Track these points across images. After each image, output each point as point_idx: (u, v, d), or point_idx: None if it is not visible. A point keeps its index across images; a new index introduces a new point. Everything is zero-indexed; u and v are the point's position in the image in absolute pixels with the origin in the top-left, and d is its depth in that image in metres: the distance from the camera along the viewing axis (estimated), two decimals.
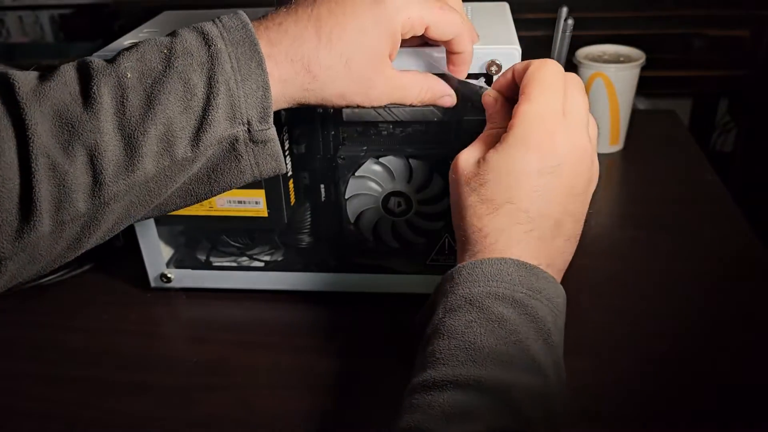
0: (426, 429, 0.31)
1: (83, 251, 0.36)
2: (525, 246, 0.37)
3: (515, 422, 0.32)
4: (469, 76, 0.54)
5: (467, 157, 0.40)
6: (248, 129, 0.36)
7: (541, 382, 0.34)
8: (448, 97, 0.45)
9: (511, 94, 0.42)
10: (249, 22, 0.37)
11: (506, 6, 0.62)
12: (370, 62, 0.39)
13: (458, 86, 0.46)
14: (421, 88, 0.43)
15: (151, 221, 0.59)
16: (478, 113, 0.55)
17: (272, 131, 0.37)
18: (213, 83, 0.35)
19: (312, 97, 0.39)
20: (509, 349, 0.33)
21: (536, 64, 0.40)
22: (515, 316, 0.35)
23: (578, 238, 0.41)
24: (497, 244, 0.37)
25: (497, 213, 0.37)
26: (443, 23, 0.41)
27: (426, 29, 0.41)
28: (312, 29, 0.37)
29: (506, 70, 0.43)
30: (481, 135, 0.42)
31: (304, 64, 0.37)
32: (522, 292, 0.36)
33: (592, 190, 0.40)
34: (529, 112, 0.38)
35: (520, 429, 0.31)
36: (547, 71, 0.39)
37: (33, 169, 0.31)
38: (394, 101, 0.42)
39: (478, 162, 0.39)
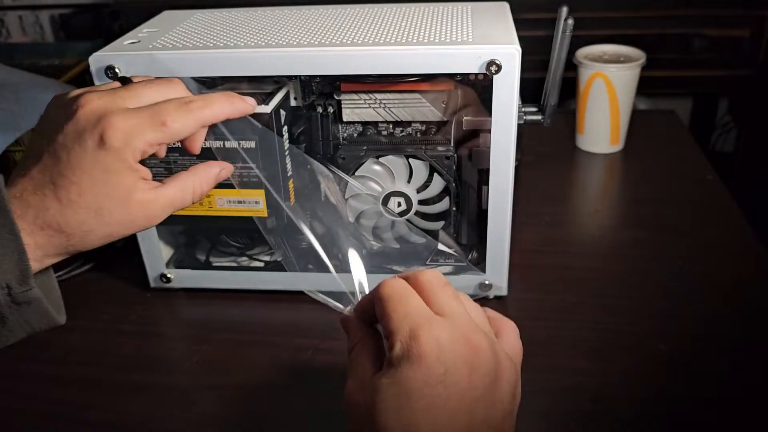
0: None
1: None
2: None
3: None
4: (469, 76, 0.54)
5: (355, 388, 0.34)
6: (8, 292, 0.36)
7: None
8: (224, 171, 0.44)
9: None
10: (3, 186, 0.37)
11: (506, 6, 0.62)
12: (119, 205, 0.38)
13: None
14: (194, 187, 0.42)
15: None
16: (479, 113, 0.55)
17: (35, 292, 0.36)
18: None
19: (80, 247, 0.38)
20: None
21: (379, 287, 0.35)
22: None
23: None
24: None
25: None
26: (179, 132, 0.39)
27: (165, 144, 0.39)
28: (51, 195, 0.37)
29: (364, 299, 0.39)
30: (353, 361, 0.36)
31: (55, 228, 0.37)
32: None
33: (508, 390, 0.33)
34: (399, 321, 0.32)
35: None
36: (386, 285, 0.34)
37: None
38: (173, 211, 0.41)
39: (366, 390, 0.33)
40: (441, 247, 0.58)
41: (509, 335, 0.36)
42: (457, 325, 0.32)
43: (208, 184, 0.43)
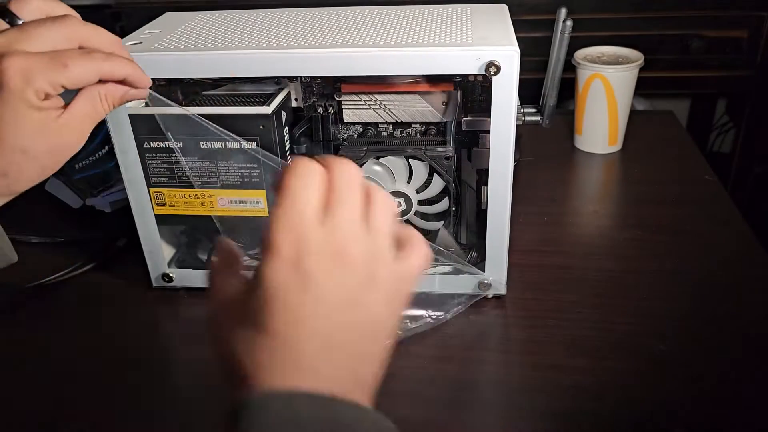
0: None
1: None
2: (311, 372, 0.30)
3: None
4: (468, 77, 0.54)
5: (227, 281, 0.34)
6: None
7: None
8: (137, 80, 0.42)
9: None
10: None
11: (505, 8, 0.62)
12: (38, 139, 0.39)
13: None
14: (102, 96, 0.41)
15: (152, 220, 0.59)
16: (479, 114, 0.55)
17: None
18: None
19: (20, 186, 0.41)
20: None
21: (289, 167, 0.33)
22: None
23: (383, 348, 0.33)
24: (275, 377, 0.30)
25: (265, 339, 0.30)
26: (78, 77, 0.39)
27: (64, 85, 0.39)
28: None
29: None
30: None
31: None
32: None
33: (383, 300, 0.32)
34: (275, 214, 0.31)
35: None
36: (292, 171, 0.32)
37: None
38: (95, 123, 0.41)
39: (237, 284, 0.34)
40: (439, 249, 0.58)
41: (413, 251, 0.34)
42: (335, 245, 0.31)
43: (118, 92, 0.42)
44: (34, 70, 0.37)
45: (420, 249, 0.34)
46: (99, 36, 0.42)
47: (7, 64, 0.37)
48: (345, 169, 0.33)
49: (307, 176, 0.32)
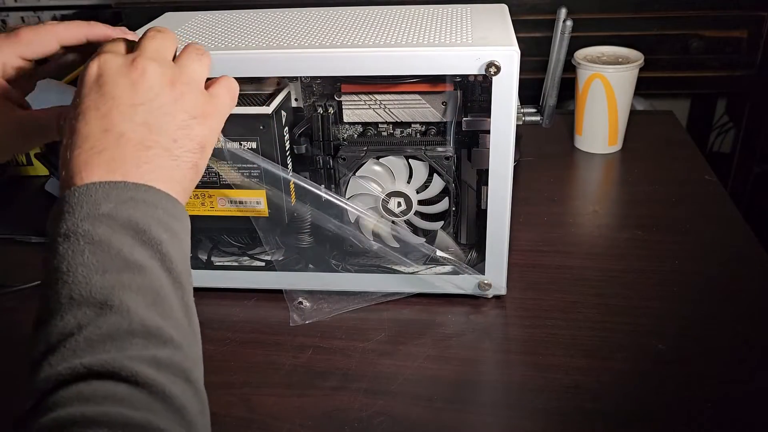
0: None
1: None
2: (96, 167, 0.36)
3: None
4: (468, 77, 0.54)
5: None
6: None
7: (141, 279, 0.34)
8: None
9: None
10: None
11: (505, 8, 0.62)
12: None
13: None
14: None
15: None
16: (479, 114, 0.55)
17: None
18: None
19: None
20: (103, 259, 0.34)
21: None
22: (103, 228, 0.34)
23: (180, 149, 0.38)
24: (80, 172, 0.36)
25: (76, 139, 0.37)
26: (33, 43, 0.44)
27: (29, 58, 0.44)
28: None
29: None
30: None
31: None
32: (109, 206, 0.35)
33: (183, 109, 0.39)
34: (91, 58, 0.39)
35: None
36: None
37: None
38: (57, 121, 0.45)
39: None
40: (439, 253, 0.58)
41: (219, 83, 0.42)
42: (131, 55, 0.39)
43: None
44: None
45: (226, 77, 0.42)
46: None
47: None
48: (153, 29, 0.41)
49: (120, 40, 0.41)
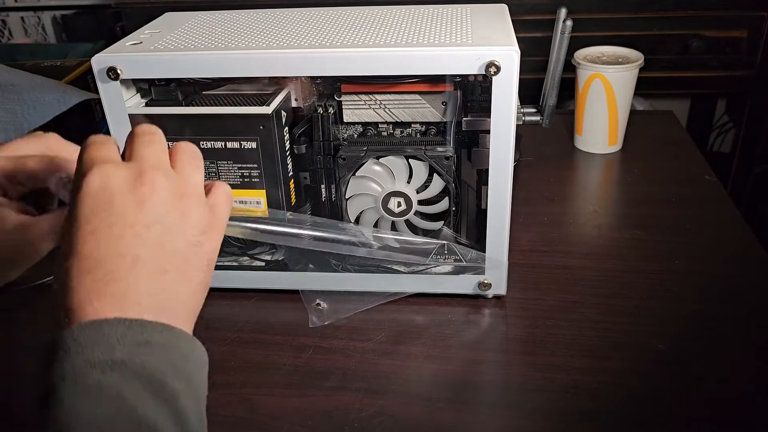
0: None
1: None
2: (119, 296, 0.33)
3: None
4: (468, 77, 0.54)
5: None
6: None
7: None
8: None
9: None
10: None
11: (505, 8, 0.62)
12: None
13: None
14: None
15: None
16: (479, 114, 0.55)
17: None
18: None
19: None
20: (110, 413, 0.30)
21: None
22: (115, 379, 0.31)
23: (189, 271, 0.36)
24: (88, 303, 0.33)
25: (79, 262, 0.33)
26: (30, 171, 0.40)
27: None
28: None
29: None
30: None
31: None
32: (121, 351, 0.31)
33: (195, 224, 0.36)
34: (83, 162, 0.35)
35: None
36: (91, 137, 0.37)
37: None
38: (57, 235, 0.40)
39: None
40: (452, 245, 0.58)
41: (217, 192, 0.39)
42: (134, 166, 0.35)
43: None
44: None
45: (221, 184, 0.39)
46: (70, 147, 0.43)
47: None
48: (141, 129, 0.37)
49: (105, 139, 0.36)
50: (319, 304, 0.57)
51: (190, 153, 0.38)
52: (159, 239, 0.34)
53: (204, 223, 0.37)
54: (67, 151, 0.42)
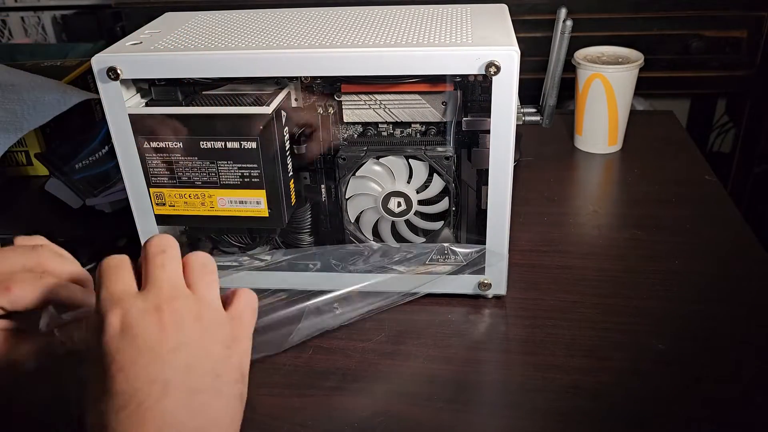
0: None
1: None
2: (159, 421, 0.33)
3: None
4: (468, 76, 0.54)
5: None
6: None
7: None
8: None
9: None
10: None
11: (505, 8, 0.62)
12: None
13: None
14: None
15: (152, 220, 0.59)
16: (479, 114, 0.55)
17: None
18: None
19: None
20: None
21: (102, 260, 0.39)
22: None
23: (220, 388, 0.36)
24: None
25: (115, 400, 0.34)
26: (21, 300, 0.40)
27: (13, 306, 0.40)
28: None
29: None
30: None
31: None
32: None
33: (219, 340, 0.37)
34: (102, 299, 0.37)
35: None
36: (106, 259, 0.39)
37: None
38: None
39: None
40: (453, 246, 0.58)
41: (239, 301, 0.40)
42: (151, 298, 0.36)
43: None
44: None
45: (244, 292, 0.40)
46: (63, 265, 0.43)
47: None
48: (153, 248, 0.38)
49: (120, 262, 0.38)
50: (336, 308, 0.57)
51: (201, 267, 0.39)
52: (186, 361, 0.35)
53: (228, 337, 0.38)
54: (60, 269, 0.42)
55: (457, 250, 0.58)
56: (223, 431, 0.36)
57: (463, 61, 0.50)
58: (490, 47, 0.49)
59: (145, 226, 0.60)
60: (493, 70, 0.49)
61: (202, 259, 0.39)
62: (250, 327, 0.40)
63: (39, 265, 0.42)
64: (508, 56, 0.49)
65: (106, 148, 0.81)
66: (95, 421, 0.34)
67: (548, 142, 0.90)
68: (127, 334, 0.35)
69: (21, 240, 0.44)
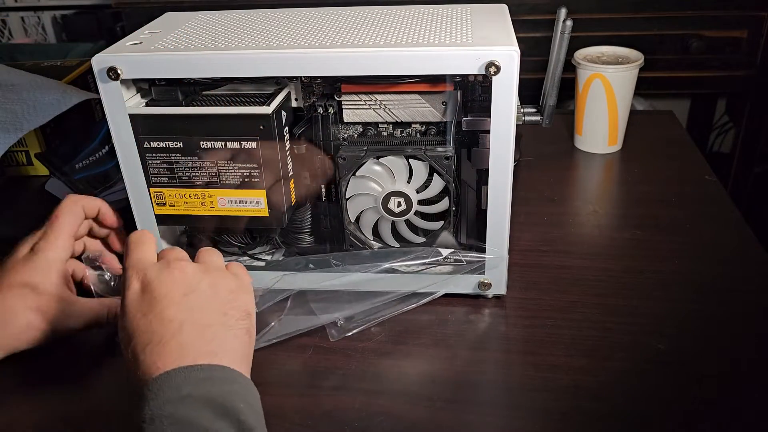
0: None
1: None
2: (179, 351, 0.41)
3: None
4: (468, 76, 0.54)
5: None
6: None
7: None
8: None
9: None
10: None
11: (505, 8, 0.62)
12: (61, 312, 0.53)
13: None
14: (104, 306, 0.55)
15: (153, 220, 0.59)
16: (479, 114, 0.55)
17: None
18: None
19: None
20: None
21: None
22: (185, 409, 0.38)
23: (226, 326, 0.44)
24: (156, 363, 0.41)
25: (141, 337, 0.43)
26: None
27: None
28: None
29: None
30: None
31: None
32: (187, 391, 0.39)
33: (224, 288, 0.46)
34: (131, 262, 0.47)
35: None
36: (134, 233, 0.49)
37: None
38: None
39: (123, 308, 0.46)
40: (440, 249, 0.58)
41: (234, 264, 0.50)
42: (163, 260, 0.46)
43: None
44: None
45: (236, 263, 0.50)
46: (112, 218, 0.60)
47: None
48: (169, 250, 0.48)
49: (142, 236, 0.49)
50: (336, 322, 0.57)
51: (209, 249, 0.50)
52: (197, 303, 0.44)
53: (232, 285, 0.47)
54: (110, 221, 0.60)
55: (462, 258, 0.58)
56: (233, 354, 0.43)
57: (464, 61, 0.50)
58: (491, 47, 0.50)
59: (146, 226, 0.60)
60: (493, 70, 0.49)
61: (210, 248, 0.50)
62: (248, 282, 0.49)
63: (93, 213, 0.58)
64: (509, 56, 0.49)
65: (106, 148, 0.81)
66: (129, 359, 0.42)
67: (548, 142, 0.90)
68: (146, 289, 0.44)
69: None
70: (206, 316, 0.44)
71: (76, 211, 0.56)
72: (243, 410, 0.39)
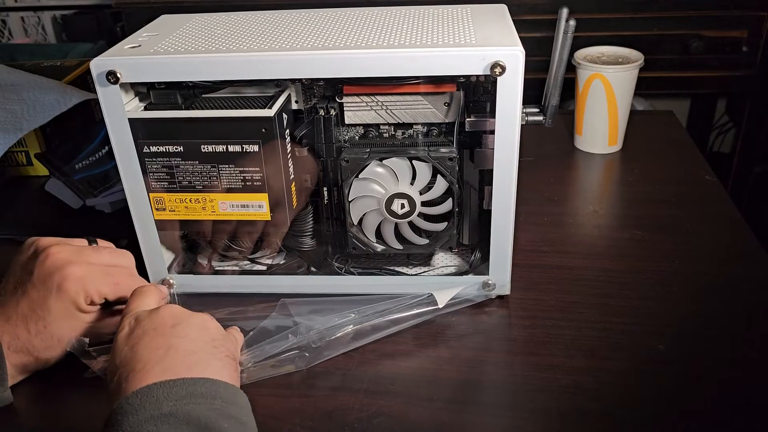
0: None
1: None
2: (152, 374, 0.42)
3: None
4: (471, 77, 0.54)
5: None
6: None
7: None
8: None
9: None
10: None
11: (505, 8, 0.62)
12: (70, 332, 0.51)
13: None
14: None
15: (152, 226, 0.59)
16: (482, 114, 0.55)
17: (7, 393, 0.50)
18: None
19: (42, 365, 0.52)
20: None
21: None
22: (166, 429, 0.38)
23: (199, 351, 0.45)
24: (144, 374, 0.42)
25: (118, 377, 0.44)
26: (123, 293, 0.53)
27: (107, 297, 0.52)
28: (22, 326, 0.50)
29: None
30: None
31: (25, 352, 0.50)
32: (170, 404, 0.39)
33: (192, 329, 0.47)
34: (129, 311, 0.50)
35: None
36: (138, 288, 0.52)
37: None
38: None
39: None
40: (442, 253, 0.58)
41: (232, 328, 0.54)
42: (156, 314, 0.47)
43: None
44: (89, 280, 0.51)
45: (235, 329, 0.54)
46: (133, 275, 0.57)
47: (68, 272, 0.50)
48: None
49: (147, 291, 0.52)
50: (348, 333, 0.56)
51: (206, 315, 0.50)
52: (185, 331, 0.45)
53: (222, 330, 0.48)
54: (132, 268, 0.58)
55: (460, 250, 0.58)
56: (218, 377, 0.43)
57: (468, 61, 0.50)
58: (495, 47, 0.49)
59: (145, 231, 0.59)
60: (498, 70, 0.49)
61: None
62: (237, 346, 0.51)
63: (129, 266, 0.56)
64: (514, 56, 0.49)
65: (106, 148, 0.81)
66: (113, 388, 0.42)
67: (548, 142, 0.90)
68: (136, 328, 0.46)
69: (103, 243, 0.58)
70: (193, 344, 0.45)
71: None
72: (227, 430, 0.39)
